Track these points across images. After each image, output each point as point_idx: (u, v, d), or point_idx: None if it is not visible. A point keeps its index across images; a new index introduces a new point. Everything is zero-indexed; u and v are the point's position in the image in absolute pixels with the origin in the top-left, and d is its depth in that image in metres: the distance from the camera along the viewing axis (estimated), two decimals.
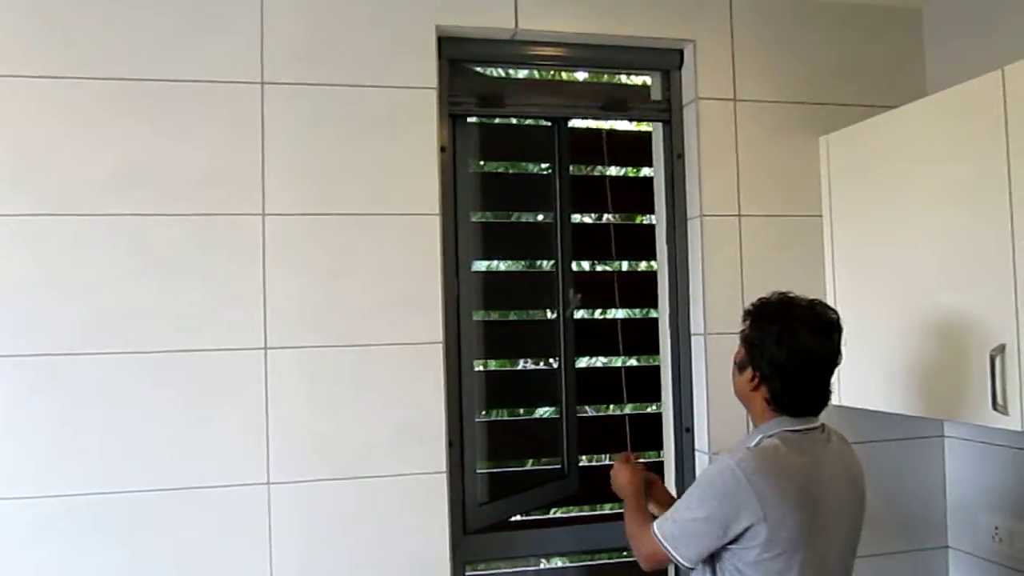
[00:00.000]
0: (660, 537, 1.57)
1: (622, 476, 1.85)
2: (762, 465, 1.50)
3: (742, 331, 1.67)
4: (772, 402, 1.60)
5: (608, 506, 2.59)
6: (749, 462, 1.50)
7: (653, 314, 2.38)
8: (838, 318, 1.62)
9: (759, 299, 1.68)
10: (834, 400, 2.23)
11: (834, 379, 2.20)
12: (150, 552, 1.86)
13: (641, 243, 2.37)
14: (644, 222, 2.45)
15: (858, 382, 2.17)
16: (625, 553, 2.43)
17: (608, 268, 2.48)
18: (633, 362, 2.59)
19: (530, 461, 2.36)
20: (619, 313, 2.50)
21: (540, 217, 2.41)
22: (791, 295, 1.66)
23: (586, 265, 2.43)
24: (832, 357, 1.61)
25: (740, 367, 1.66)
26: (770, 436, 1.58)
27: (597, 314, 2.75)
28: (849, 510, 1.61)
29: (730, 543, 1.51)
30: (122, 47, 1.90)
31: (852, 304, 2.19)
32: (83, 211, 1.86)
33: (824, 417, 2.24)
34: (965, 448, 2.29)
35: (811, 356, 1.58)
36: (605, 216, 2.57)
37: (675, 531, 1.55)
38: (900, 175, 2.02)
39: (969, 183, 1.80)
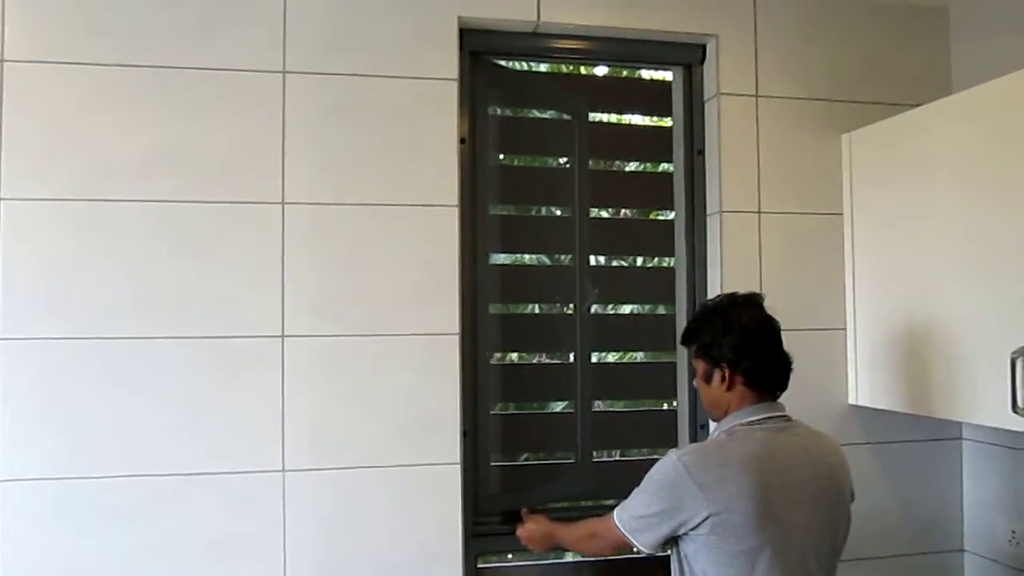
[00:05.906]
0: (620, 527, 1.67)
1: (530, 529, 1.98)
2: (702, 456, 1.61)
3: (692, 353, 1.76)
4: (751, 383, 1.67)
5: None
6: (690, 455, 1.60)
7: (670, 310, 2.37)
8: (754, 292, 1.76)
9: (685, 327, 1.81)
10: (851, 399, 2.23)
11: (850, 378, 2.22)
12: (165, 536, 1.88)
13: (659, 239, 2.36)
14: (662, 218, 2.44)
15: (876, 382, 2.16)
16: (635, 549, 2.42)
17: (624, 263, 2.47)
18: (643, 357, 2.57)
19: (543, 454, 2.37)
20: (635, 309, 2.50)
21: (559, 211, 2.41)
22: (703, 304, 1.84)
23: (603, 260, 2.42)
24: (773, 321, 1.70)
25: (706, 378, 1.72)
26: (722, 432, 1.66)
27: (613, 309, 2.75)
28: (816, 496, 1.61)
29: (691, 530, 1.57)
30: (147, 34, 1.92)
31: (872, 303, 2.18)
32: (108, 196, 1.89)
33: (840, 417, 2.24)
34: (983, 451, 2.28)
35: (759, 325, 1.69)
36: (623, 211, 2.56)
37: (632, 523, 1.65)
38: (923, 174, 2.00)
39: (993, 183, 1.78)
